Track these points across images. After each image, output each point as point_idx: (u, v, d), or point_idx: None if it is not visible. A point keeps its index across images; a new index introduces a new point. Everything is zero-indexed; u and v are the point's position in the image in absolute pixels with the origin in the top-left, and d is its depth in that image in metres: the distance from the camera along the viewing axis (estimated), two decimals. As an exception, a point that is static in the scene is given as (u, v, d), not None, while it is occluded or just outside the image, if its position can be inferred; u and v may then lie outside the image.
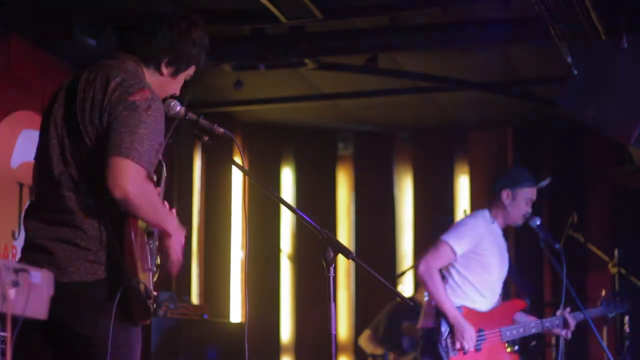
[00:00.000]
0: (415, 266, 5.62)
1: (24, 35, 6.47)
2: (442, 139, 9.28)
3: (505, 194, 5.67)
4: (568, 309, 5.71)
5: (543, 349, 7.67)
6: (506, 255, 5.77)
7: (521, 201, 5.67)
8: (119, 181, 3.07)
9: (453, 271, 5.62)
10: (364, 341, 7.82)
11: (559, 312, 5.73)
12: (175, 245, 3.30)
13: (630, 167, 7.75)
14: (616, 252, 6.83)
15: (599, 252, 7.06)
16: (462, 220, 5.88)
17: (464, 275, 5.61)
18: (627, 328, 6.17)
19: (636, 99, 5.60)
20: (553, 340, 7.19)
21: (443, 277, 5.61)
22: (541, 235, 5.71)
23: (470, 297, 5.60)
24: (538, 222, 5.71)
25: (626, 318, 6.30)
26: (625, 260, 6.81)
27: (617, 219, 8.52)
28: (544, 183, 5.76)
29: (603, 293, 6.10)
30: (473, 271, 5.60)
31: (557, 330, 5.73)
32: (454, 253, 5.54)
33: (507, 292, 5.85)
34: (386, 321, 7.68)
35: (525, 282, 6.17)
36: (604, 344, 6.01)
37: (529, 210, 5.70)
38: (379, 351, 7.74)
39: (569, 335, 5.72)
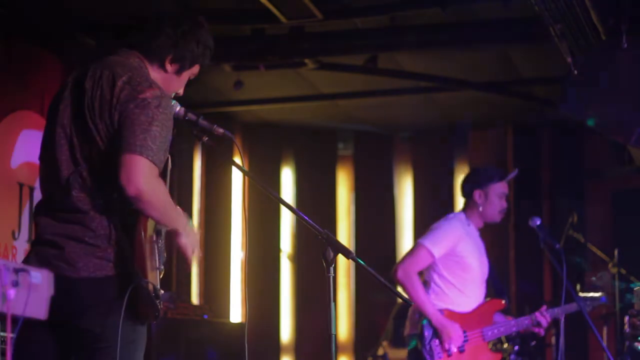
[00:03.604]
0: (393, 272, 5.61)
1: (24, 35, 6.47)
2: (442, 139, 9.28)
3: (477, 195, 5.73)
4: (544, 307, 5.73)
5: (543, 349, 7.67)
6: (485, 256, 5.82)
7: (494, 197, 5.73)
8: (132, 178, 3.06)
9: (434, 275, 5.66)
10: (387, 349, 7.80)
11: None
12: (188, 243, 3.31)
13: (630, 167, 7.75)
14: (616, 252, 6.83)
15: (599, 252, 7.06)
16: (438, 223, 5.85)
17: (445, 278, 5.64)
18: (627, 328, 6.15)
19: (636, 100, 5.61)
20: (553, 340, 7.19)
21: (425, 282, 5.66)
22: (541, 236, 5.71)
23: (454, 299, 5.63)
24: (538, 222, 5.71)
25: (626, 318, 6.28)
26: (625, 260, 6.80)
27: (617, 219, 8.52)
28: (512, 175, 5.84)
29: (578, 287, 6.11)
30: (454, 273, 5.64)
31: (533, 329, 5.75)
32: (432, 256, 5.58)
33: (488, 292, 5.88)
34: (394, 324, 7.69)
35: (501, 284, 6.18)
36: (604, 343, 6.01)
37: (504, 204, 5.76)
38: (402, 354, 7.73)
39: (542, 332, 5.76)
